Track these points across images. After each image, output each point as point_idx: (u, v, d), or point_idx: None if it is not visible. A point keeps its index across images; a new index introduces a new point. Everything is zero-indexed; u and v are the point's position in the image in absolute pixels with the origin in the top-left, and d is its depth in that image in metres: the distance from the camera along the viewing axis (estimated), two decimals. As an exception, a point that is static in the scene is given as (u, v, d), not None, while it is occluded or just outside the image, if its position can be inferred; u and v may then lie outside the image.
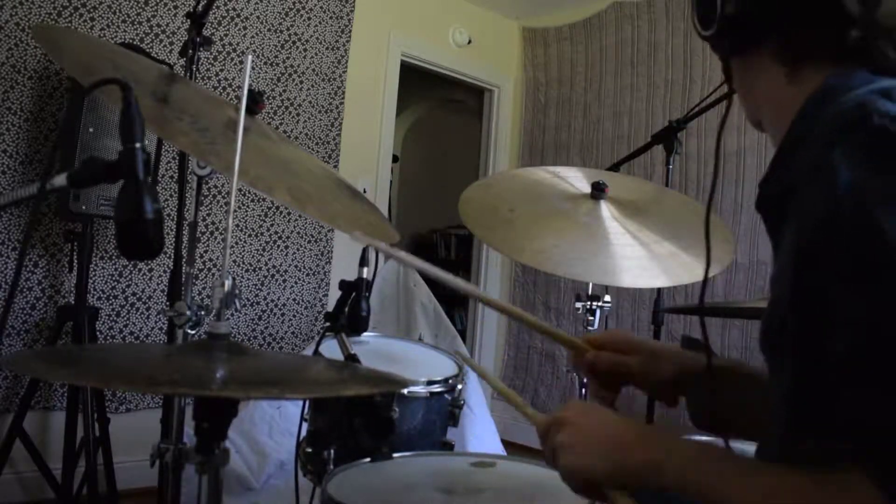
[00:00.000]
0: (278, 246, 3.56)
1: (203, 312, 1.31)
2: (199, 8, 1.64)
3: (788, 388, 0.68)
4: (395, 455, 1.32)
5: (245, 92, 0.86)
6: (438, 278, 0.88)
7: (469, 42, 4.51)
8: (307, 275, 3.68)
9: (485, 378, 1.04)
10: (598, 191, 1.58)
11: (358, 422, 1.35)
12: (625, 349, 0.96)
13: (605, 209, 1.57)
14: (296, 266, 3.63)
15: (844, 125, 0.66)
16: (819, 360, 0.63)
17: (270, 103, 3.50)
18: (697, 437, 1.24)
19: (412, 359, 1.82)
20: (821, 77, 0.75)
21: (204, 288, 3.22)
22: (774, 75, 0.78)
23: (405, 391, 1.48)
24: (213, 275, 3.30)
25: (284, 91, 3.57)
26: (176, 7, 3.15)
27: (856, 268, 0.60)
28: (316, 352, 1.52)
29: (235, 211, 3.39)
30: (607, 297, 1.82)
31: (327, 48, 3.76)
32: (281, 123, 3.55)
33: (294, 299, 3.63)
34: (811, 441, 0.65)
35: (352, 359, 1.38)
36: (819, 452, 0.63)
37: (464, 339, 3.15)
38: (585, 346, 0.98)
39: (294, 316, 3.63)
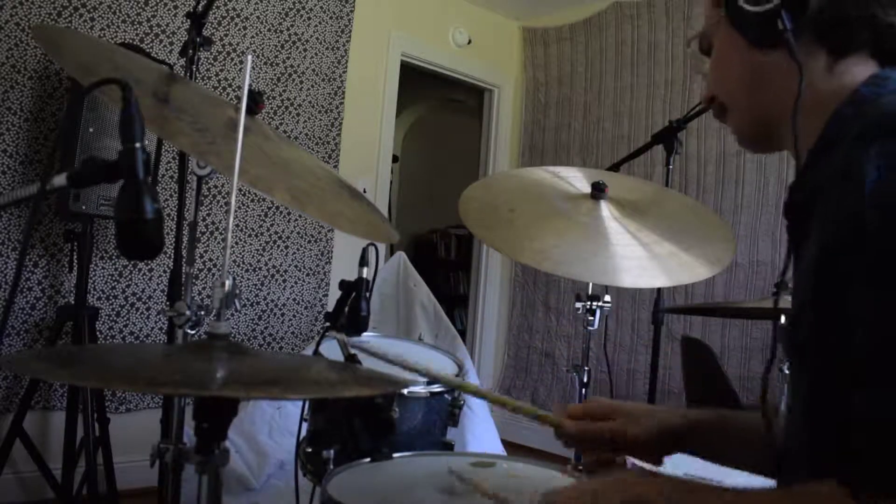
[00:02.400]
0: (278, 246, 3.56)
1: (203, 312, 1.31)
2: (199, 8, 1.64)
3: (807, 399, 0.68)
4: (395, 455, 1.32)
5: (245, 92, 0.86)
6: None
7: (469, 42, 4.51)
8: (307, 275, 3.68)
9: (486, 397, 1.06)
10: (598, 191, 1.58)
11: (358, 422, 1.35)
12: (601, 416, 1.00)
13: (605, 209, 1.56)
14: (296, 266, 3.63)
15: (879, 131, 0.64)
16: (839, 358, 0.62)
17: (270, 103, 3.50)
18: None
19: (412, 359, 1.82)
20: (862, 72, 0.74)
21: (204, 288, 3.22)
22: (811, 64, 0.76)
23: (405, 391, 1.48)
24: (213, 275, 3.30)
25: (284, 91, 3.57)
26: (176, 7, 3.15)
27: (875, 270, 0.59)
28: (316, 352, 1.52)
29: (235, 211, 3.38)
30: (607, 297, 1.82)
31: (327, 48, 3.76)
32: (281, 123, 3.55)
33: (294, 299, 3.63)
34: (832, 451, 0.64)
35: (352, 359, 1.38)
36: (837, 464, 0.62)
37: (464, 339, 3.15)
38: (566, 421, 1.02)
39: (294, 316, 3.63)
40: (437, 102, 6.52)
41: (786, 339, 0.75)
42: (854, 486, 0.57)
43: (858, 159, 0.63)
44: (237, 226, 3.37)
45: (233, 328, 3.35)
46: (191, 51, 1.65)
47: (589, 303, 1.80)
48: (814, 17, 0.74)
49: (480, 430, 2.56)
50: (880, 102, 0.69)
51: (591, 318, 1.80)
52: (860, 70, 0.75)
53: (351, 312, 1.46)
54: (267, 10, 3.48)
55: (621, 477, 0.79)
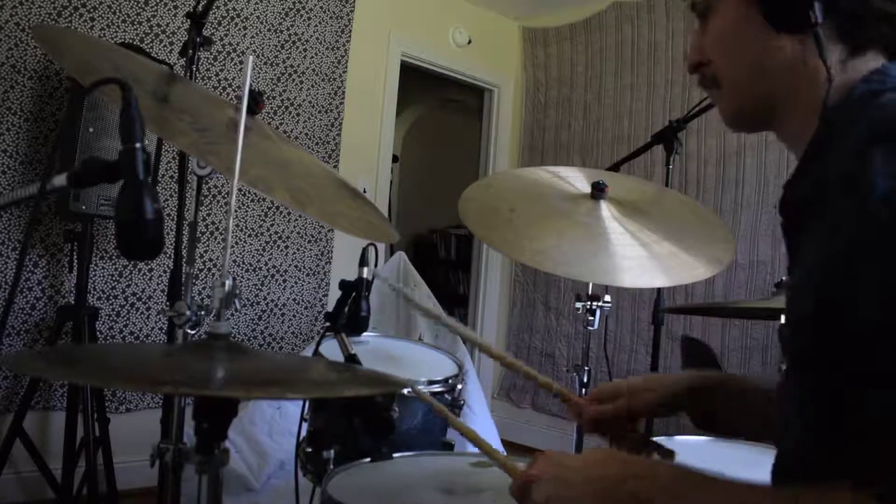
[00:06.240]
0: (278, 246, 3.56)
1: (203, 312, 1.31)
2: (199, 8, 1.64)
3: (811, 404, 0.67)
4: (395, 455, 1.32)
5: (246, 92, 0.86)
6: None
7: (469, 42, 4.51)
8: (307, 275, 3.68)
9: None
10: (598, 191, 1.57)
11: (358, 422, 1.35)
12: (606, 399, 1.00)
13: (605, 209, 1.56)
14: (296, 266, 3.63)
15: (883, 131, 0.63)
16: (849, 373, 0.61)
17: (270, 103, 3.50)
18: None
19: (412, 359, 1.82)
20: (870, 68, 0.72)
21: (204, 288, 3.22)
22: (829, 56, 0.72)
23: (405, 391, 1.48)
24: (213, 275, 3.30)
25: (284, 91, 3.57)
26: (176, 7, 3.15)
27: (888, 277, 0.58)
28: (316, 352, 1.52)
29: (235, 211, 3.38)
30: (607, 297, 1.82)
31: (327, 48, 3.76)
32: (281, 123, 3.55)
33: (294, 299, 3.63)
34: (836, 455, 0.64)
35: (352, 359, 1.38)
36: (840, 469, 0.62)
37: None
38: (580, 400, 1.02)
39: (294, 316, 3.63)
40: (437, 102, 6.52)
41: (787, 342, 0.73)
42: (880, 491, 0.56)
43: (863, 166, 0.61)
44: (237, 226, 3.37)
45: (233, 328, 3.35)
46: (191, 51, 1.65)
47: (589, 303, 1.80)
48: (839, 8, 0.71)
49: (480, 430, 2.55)
50: (879, 102, 0.67)
51: (591, 318, 1.80)
52: (870, 67, 0.72)
53: (351, 312, 1.46)
54: (267, 10, 3.48)
55: (607, 468, 0.76)
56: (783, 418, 0.74)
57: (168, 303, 1.63)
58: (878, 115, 0.65)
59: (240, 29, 3.38)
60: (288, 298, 3.60)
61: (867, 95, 0.69)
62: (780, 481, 0.74)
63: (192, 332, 1.32)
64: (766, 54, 0.76)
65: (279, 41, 3.54)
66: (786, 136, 0.82)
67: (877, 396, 0.59)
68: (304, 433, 1.53)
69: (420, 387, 1.53)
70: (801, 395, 0.69)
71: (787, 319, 0.74)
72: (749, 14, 0.76)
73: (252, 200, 3.46)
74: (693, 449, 1.43)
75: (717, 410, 0.96)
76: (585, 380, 1.84)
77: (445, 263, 6.78)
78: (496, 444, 2.71)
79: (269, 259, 3.52)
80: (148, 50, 3.02)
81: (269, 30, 3.50)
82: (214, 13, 3.23)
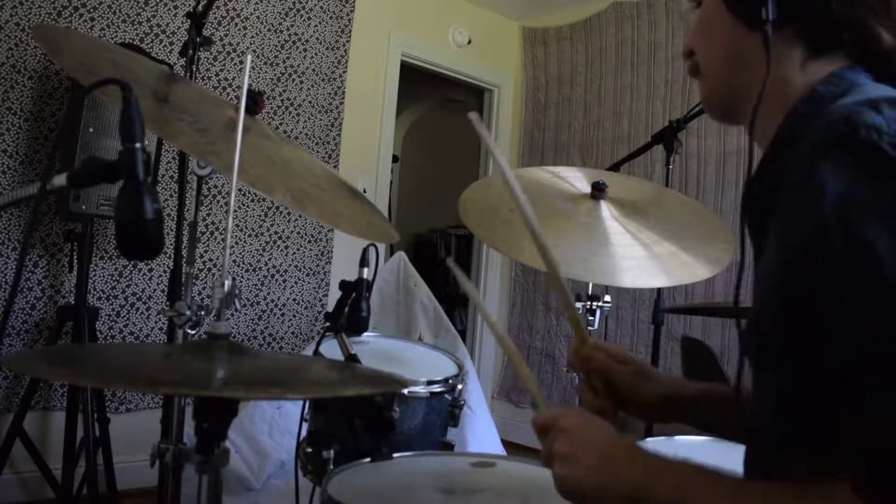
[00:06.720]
0: (278, 246, 3.56)
1: (203, 312, 1.31)
2: (199, 8, 1.64)
3: (776, 402, 0.68)
4: (395, 455, 1.32)
5: (245, 92, 0.86)
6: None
7: (469, 42, 4.51)
8: (307, 275, 3.68)
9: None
10: (598, 191, 1.58)
11: (358, 422, 1.35)
12: (619, 360, 0.98)
13: (605, 209, 1.57)
14: (296, 266, 3.63)
15: (832, 139, 0.64)
16: (807, 372, 0.63)
17: (270, 103, 3.50)
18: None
19: (412, 359, 1.82)
20: (830, 70, 0.74)
21: (204, 288, 3.22)
22: (788, 56, 0.76)
23: (405, 391, 1.48)
24: (213, 275, 3.30)
25: (284, 91, 3.57)
26: (176, 7, 3.15)
27: (842, 280, 0.59)
28: (316, 352, 1.52)
29: (235, 211, 3.39)
30: (607, 297, 1.82)
31: (327, 48, 3.76)
32: (281, 123, 3.55)
33: (294, 299, 3.63)
34: (801, 452, 0.65)
35: (352, 359, 1.38)
36: (807, 464, 0.63)
37: (464, 339, 3.15)
38: (587, 339, 0.99)
39: (294, 316, 3.63)
40: (437, 102, 6.52)
41: (747, 339, 0.74)
42: (869, 487, 0.57)
43: (818, 169, 0.62)
44: (237, 226, 3.37)
45: (233, 328, 3.35)
46: (191, 51, 1.65)
47: (589, 303, 1.80)
48: (799, 10, 0.73)
49: (480, 430, 2.56)
50: (837, 106, 0.68)
51: (591, 318, 1.80)
52: (829, 70, 0.74)
53: (351, 312, 1.46)
54: (267, 10, 3.48)
55: (618, 450, 0.76)
56: (753, 418, 0.74)
57: (168, 303, 1.63)
58: (831, 119, 0.67)
59: (240, 29, 3.38)
60: (288, 298, 3.60)
61: (825, 100, 0.71)
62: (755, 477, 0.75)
63: (192, 332, 1.32)
64: (735, 48, 0.80)
65: (279, 41, 3.54)
66: (752, 131, 0.83)
67: (829, 398, 0.60)
68: (304, 433, 1.53)
69: (419, 387, 1.53)
70: (766, 393, 0.70)
71: (751, 317, 0.74)
72: (722, 6, 0.79)
73: (252, 200, 3.46)
74: (693, 449, 1.43)
75: (721, 418, 0.95)
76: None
77: (446, 263, 6.77)
78: (496, 444, 2.71)
79: (269, 259, 3.52)
80: (148, 50, 3.02)
81: (269, 30, 3.50)
82: (214, 13, 3.23)
